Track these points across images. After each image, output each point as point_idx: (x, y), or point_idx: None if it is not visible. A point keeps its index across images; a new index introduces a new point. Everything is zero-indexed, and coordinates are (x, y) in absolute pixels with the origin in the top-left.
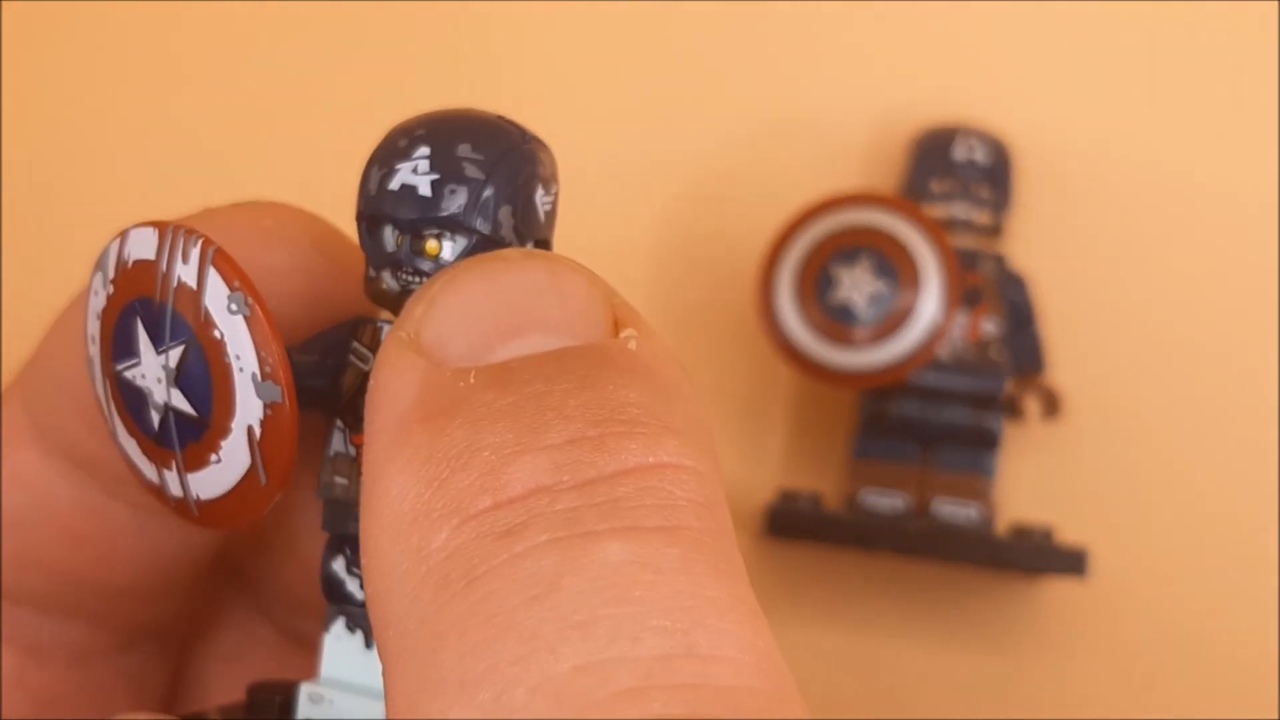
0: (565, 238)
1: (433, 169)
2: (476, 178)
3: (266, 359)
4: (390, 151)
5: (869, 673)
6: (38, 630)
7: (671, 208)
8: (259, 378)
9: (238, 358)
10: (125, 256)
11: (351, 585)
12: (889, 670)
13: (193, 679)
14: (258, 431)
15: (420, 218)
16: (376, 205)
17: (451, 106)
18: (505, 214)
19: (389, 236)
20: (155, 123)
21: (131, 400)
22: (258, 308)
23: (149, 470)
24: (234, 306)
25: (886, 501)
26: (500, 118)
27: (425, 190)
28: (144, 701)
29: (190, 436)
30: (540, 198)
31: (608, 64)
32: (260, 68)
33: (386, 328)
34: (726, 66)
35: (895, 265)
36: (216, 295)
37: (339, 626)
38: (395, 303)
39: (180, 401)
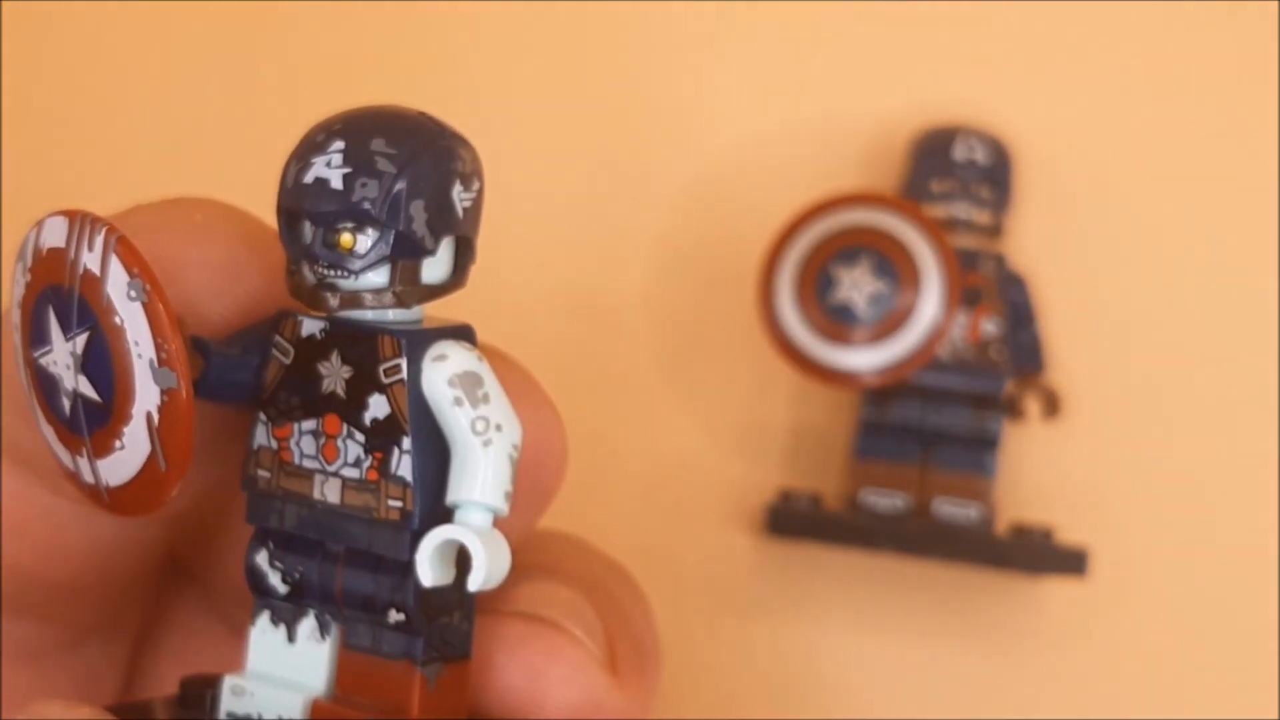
0: (568, 238)
1: (345, 162)
2: (388, 171)
3: (163, 345)
4: (308, 146)
5: (869, 672)
6: None
7: (672, 208)
8: (155, 364)
9: (136, 344)
10: (40, 245)
11: (274, 579)
12: (888, 669)
13: (145, 678)
14: (156, 418)
15: (332, 210)
16: (292, 199)
17: (372, 104)
18: (417, 208)
19: (307, 230)
20: (156, 122)
21: (47, 387)
22: (155, 294)
23: (65, 457)
24: (133, 293)
25: (886, 501)
26: (421, 114)
27: (337, 184)
28: (95, 699)
29: (97, 423)
30: (458, 194)
31: (607, 66)
32: (262, 67)
33: (306, 321)
34: (727, 67)
35: (895, 265)
36: (117, 282)
37: (264, 620)
38: (312, 296)
39: (86, 388)
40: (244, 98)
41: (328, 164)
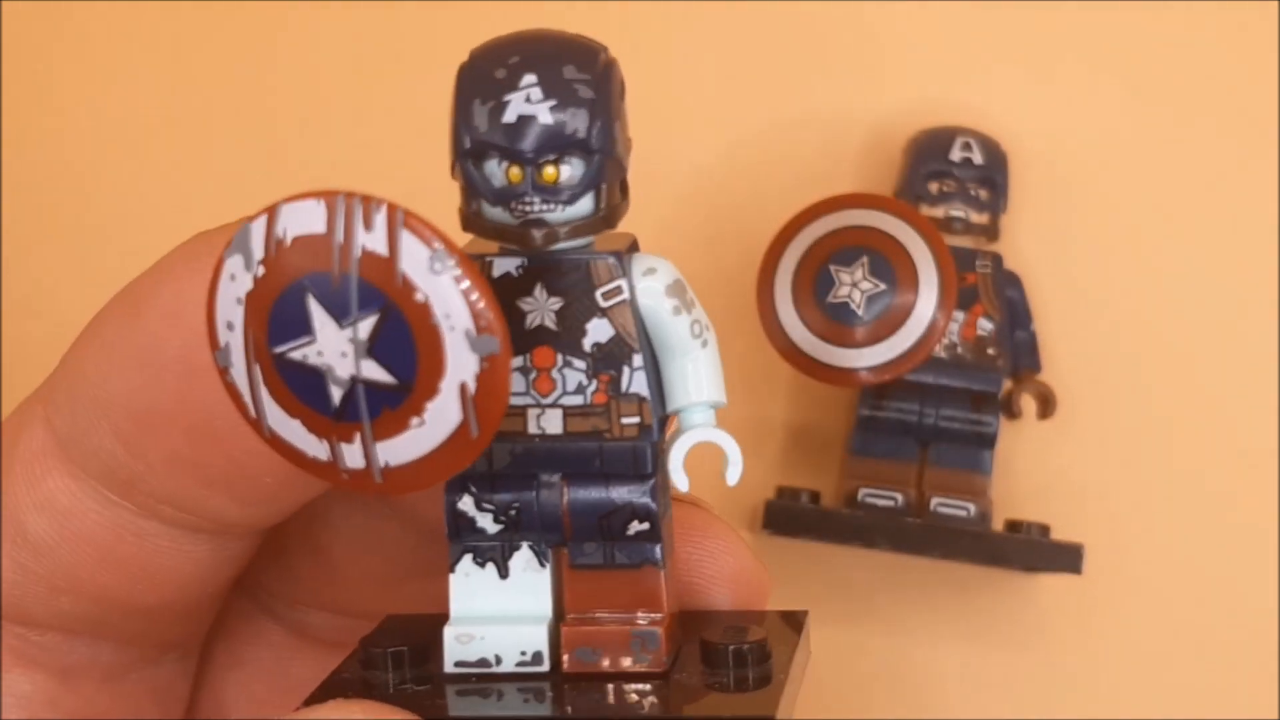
0: None
1: (546, 95)
2: (589, 97)
3: (482, 313)
4: (491, 84)
5: (867, 668)
6: (68, 653)
7: (673, 209)
8: (474, 333)
9: (447, 317)
10: (280, 234)
11: (483, 520)
12: (886, 666)
13: (206, 687)
14: (472, 387)
15: (544, 145)
16: (493, 139)
17: (525, 30)
18: (618, 129)
19: (497, 169)
20: (157, 123)
21: (299, 380)
22: (465, 263)
23: (317, 449)
24: (437, 266)
25: (884, 499)
26: (575, 34)
27: (546, 118)
28: (172, 713)
29: (386, 404)
30: (626, 109)
31: None
32: (264, 67)
33: (498, 261)
34: (725, 69)
35: (893, 265)
36: (415, 258)
37: (466, 564)
38: (519, 235)
39: (375, 372)
40: (248, 98)
41: (527, 99)
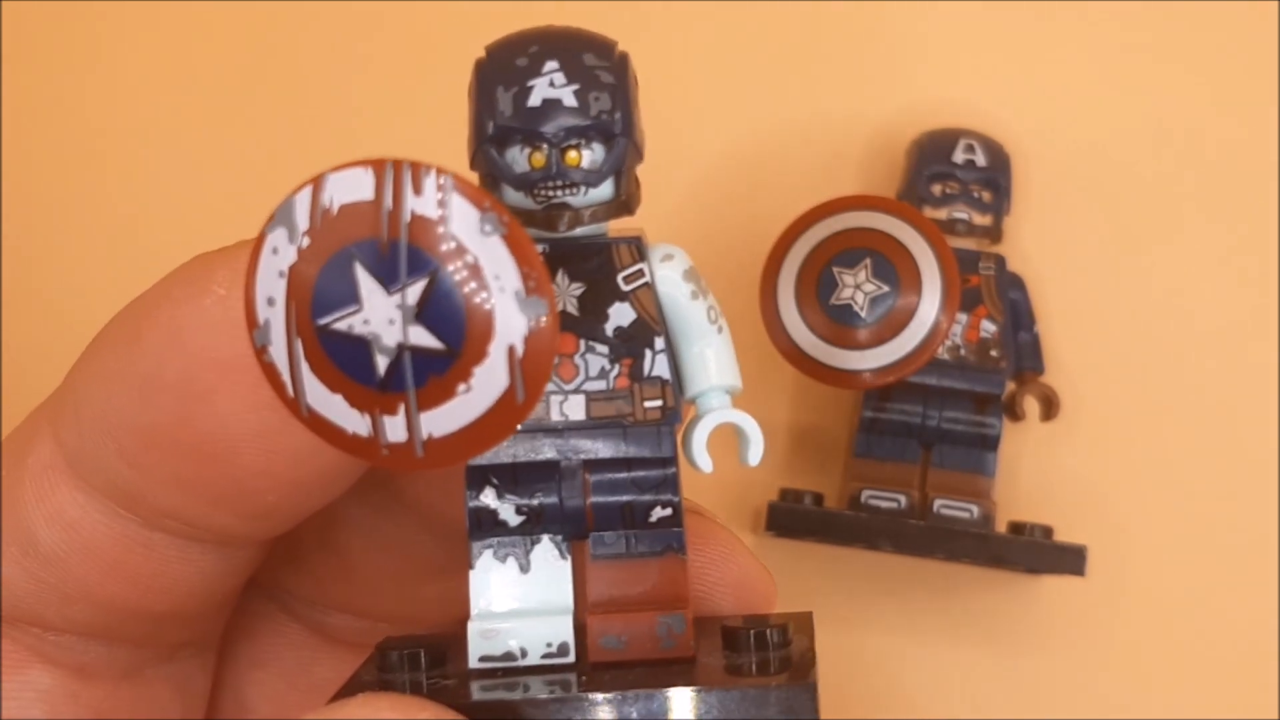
0: None
1: (570, 80)
2: (610, 83)
3: (530, 274)
4: (513, 71)
5: (870, 669)
6: (83, 652)
7: (676, 210)
8: (523, 294)
9: (497, 278)
10: (326, 204)
11: (505, 513)
12: (889, 667)
13: (228, 687)
14: (520, 349)
15: (570, 128)
16: (518, 123)
17: (536, 27)
18: (636, 115)
19: (519, 155)
20: (156, 122)
21: (342, 352)
22: (514, 224)
23: (358, 424)
24: (488, 227)
25: (887, 501)
26: (586, 29)
27: (571, 101)
28: (192, 706)
29: (433, 372)
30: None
31: None
32: (261, 67)
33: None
34: (728, 71)
35: (896, 267)
36: (465, 220)
37: (486, 559)
38: (541, 220)
39: (423, 338)
40: (245, 97)
41: (550, 84)
